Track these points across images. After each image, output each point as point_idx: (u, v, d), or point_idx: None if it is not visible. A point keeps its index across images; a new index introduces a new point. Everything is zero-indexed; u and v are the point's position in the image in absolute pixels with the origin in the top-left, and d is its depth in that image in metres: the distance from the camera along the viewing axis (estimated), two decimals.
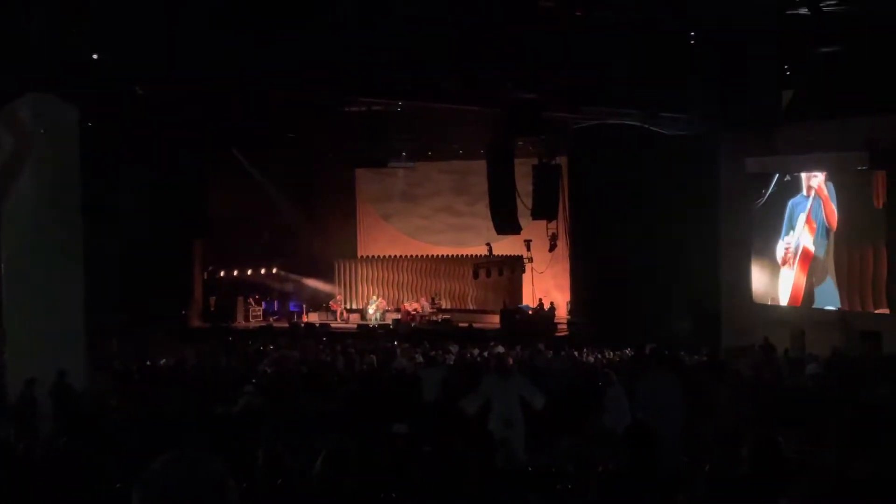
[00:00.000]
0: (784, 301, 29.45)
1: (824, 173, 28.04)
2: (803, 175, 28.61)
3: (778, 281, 29.62)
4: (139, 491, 2.93)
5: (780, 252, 29.43)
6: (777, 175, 29.28)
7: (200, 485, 2.94)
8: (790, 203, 29.11)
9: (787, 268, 29.25)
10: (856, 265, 27.24)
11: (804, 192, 28.67)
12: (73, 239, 20.54)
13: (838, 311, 27.66)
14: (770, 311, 29.58)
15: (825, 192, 28.00)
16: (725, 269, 30.94)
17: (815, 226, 28.34)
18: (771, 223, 29.70)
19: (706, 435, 9.73)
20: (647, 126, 27.71)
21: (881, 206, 26.36)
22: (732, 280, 30.63)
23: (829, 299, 28.10)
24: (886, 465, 6.64)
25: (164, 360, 25.00)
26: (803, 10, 19.08)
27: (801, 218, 28.71)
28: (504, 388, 12.33)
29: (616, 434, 9.63)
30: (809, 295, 28.63)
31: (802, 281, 28.89)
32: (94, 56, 20.55)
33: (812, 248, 28.47)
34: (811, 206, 28.41)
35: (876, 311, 26.79)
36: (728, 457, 7.05)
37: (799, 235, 28.87)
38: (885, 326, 26.16)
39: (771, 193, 29.56)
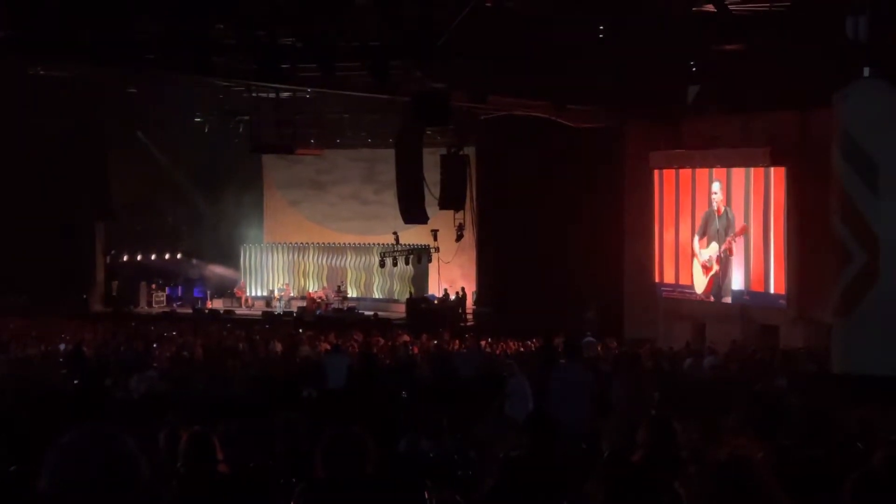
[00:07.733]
0: (699, 291, 29.64)
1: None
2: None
3: (690, 273, 29.79)
4: (50, 463, 2.89)
5: (702, 257, 29.49)
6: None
7: (112, 460, 2.91)
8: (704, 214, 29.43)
9: (703, 272, 29.41)
10: (760, 261, 27.59)
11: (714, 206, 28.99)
12: None
13: (739, 306, 28.07)
14: (673, 304, 29.96)
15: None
16: (630, 261, 31.27)
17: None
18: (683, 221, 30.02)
19: (605, 423, 9.85)
20: (554, 118, 27.89)
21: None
22: (637, 272, 30.96)
23: (733, 294, 28.43)
24: (779, 452, 6.79)
25: (63, 345, 24.61)
26: (709, 7, 19.39)
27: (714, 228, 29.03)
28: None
29: (517, 422, 9.72)
30: (717, 289, 28.88)
31: (711, 276, 29.15)
32: None
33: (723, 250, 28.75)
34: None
35: (775, 307, 27.28)
36: (625, 443, 7.15)
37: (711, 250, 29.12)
38: (783, 320, 26.74)
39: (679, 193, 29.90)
